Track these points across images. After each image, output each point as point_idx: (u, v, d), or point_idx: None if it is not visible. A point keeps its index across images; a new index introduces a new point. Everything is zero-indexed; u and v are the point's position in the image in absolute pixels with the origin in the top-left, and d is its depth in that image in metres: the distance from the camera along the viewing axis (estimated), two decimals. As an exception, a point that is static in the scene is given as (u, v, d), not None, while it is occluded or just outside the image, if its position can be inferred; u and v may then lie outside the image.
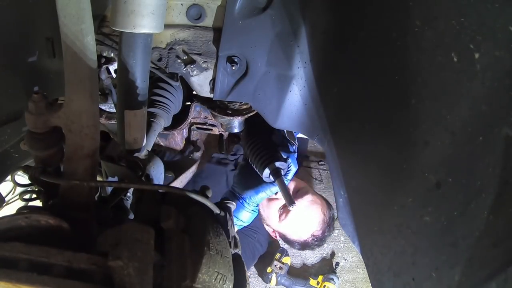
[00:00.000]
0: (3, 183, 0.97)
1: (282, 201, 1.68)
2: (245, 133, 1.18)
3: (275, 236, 1.84)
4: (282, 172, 1.07)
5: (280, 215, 1.69)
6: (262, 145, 1.10)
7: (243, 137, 1.19)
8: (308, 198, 1.65)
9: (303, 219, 1.65)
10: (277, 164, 1.06)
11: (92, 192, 0.64)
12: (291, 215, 1.65)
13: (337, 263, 2.09)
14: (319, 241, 1.71)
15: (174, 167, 1.51)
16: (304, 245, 1.75)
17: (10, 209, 0.73)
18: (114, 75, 0.99)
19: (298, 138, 1.74)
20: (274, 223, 1.73)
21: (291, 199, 1.04)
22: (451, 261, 0.45)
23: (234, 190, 1.43)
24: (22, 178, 0.70)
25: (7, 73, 0.82)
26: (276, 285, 1.99)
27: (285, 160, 1.10)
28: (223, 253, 0.60)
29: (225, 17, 0.80)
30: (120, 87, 0.74)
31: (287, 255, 2.05)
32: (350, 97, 0.73)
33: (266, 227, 1.82)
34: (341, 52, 0.73)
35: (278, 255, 2.03)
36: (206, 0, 0.81)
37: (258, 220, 1.84)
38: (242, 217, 1.45)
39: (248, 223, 1.51)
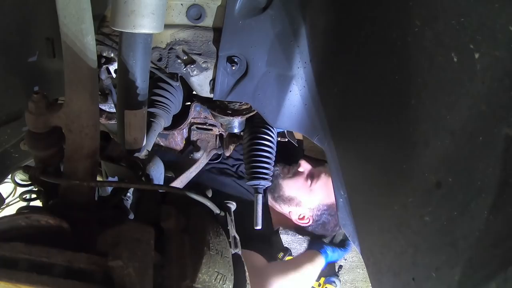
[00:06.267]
0: (3, 184, 0.97)
1: (305, 172, 1.76)
2: (247, 134, 1.18)
3: (308, 222, 1.82)
4: (260, 190, 1.14)
5: (311, 182, 1.73)
6: (258, 156, 1.14)
7: (244, 138, 1.19)
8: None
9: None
10: (262, 183, 1.13)
11: (92, 192, 0.64)
12: (322, 176, 1.71)
13: (340, 266, 2.07)
14: None
15: (174, 167, 1.51)
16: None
17: (10, 210, 0.74)
18: (114, 75, 0.99)
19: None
20: (305, 193, 1.75)
21: (258, 220, 1.11)
22: (451, 261, 0.45)
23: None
24: (22, 178, 0.70)
25: (7, 73, 0.82)
26: (277, 285, 1.99)
27: (271, 180, 1.16)
28: (223, 253, 0.60)
29: (225, 17, 0.80)
30: (120, 87, 0.74)
31: (290, 255, 2.03)
32: (350, 97, 0.73)
33: (295, 215, 1.82)
34: (341, 52, 0.73)
35: (281, 254, 2.02)
36: (206, 0, 0.81)
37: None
38: None
39: None
